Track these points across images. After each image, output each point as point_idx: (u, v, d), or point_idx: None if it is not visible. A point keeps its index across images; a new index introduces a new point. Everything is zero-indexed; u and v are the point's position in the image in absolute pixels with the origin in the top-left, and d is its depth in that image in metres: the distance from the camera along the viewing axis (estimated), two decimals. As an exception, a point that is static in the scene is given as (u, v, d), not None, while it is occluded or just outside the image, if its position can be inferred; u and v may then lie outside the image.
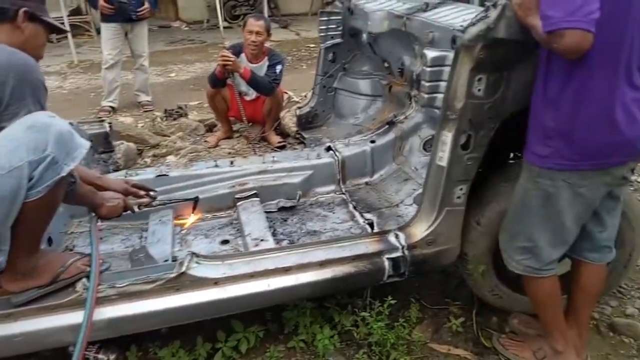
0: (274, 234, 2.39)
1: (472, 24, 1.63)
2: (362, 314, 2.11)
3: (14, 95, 1.50)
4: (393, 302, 2.07)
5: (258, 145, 3.96)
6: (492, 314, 2.32)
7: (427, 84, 2.36)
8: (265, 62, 3.97)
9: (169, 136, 4.28)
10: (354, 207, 2.65)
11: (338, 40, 3.58)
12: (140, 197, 2.18)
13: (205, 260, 1.86)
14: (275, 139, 3.99)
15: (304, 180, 2.73)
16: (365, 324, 2.08)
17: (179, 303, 1.78)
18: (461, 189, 1.94)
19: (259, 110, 4.05)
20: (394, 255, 2.00)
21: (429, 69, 2.32)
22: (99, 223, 1.96)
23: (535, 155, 1.71)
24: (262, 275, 1.86)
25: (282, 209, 2.66)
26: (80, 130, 2.73)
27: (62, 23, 7.24)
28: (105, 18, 5.01)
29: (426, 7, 2.76)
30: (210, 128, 4.51)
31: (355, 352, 2.11)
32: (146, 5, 5.01)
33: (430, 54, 2.31)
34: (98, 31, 6.52)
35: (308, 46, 8.68)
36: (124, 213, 2.06)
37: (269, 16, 9.20)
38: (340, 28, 3.53)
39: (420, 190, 2.08)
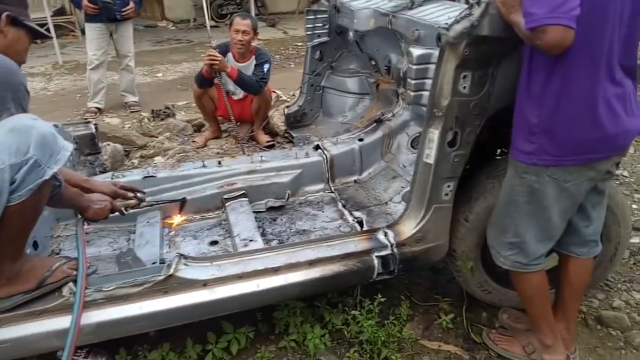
0: (263, 234, 2.39)
1: (457, 22, 1.63)
2: (353, 312, 2.11)
3: None
4: (383, 299, 2.08)
5: (247, 145, 3.95)
6: (481, 309, 2.33)
7: (413, 82, 2.37)
8: (252, 61, 3.95)
9: (157, 137, 4.25)
10: (343, 206, 2.65)
11: (325, 38, 3.57)
12: (129, 198, 2.16)
13: (193, 262, 1.85)
14: (264, 138, 3.98)
15: (292, 179, 2.73)
16: (355, 322, 2.08)
17: (167, 306, 1.77)
18: (449, 186, 1.95)
19: (247, 110, 4.04)
20: (383, 253, 2.00)
21: (414, 67, 2.33)
22: (86, 226, 1.94)
23: (520, 151, 1.72)
24: (251, 276, 1.86)
25: (271, 208, 2.65)
26: (64, 132, 2.70)
27: (46, 23, 7.19)
28: (90, 18, 4.96)
29: (412, 5, 2.76)
30: (198, 128, 4.49)
31: (346, 350, 2.11)
32: (131, 4, 4.96)
33: (416, 51, 2.32)
34: (83, 31, 6.46)
35: (296, 45, 8.66)
36: (111, 215, 2.05)
37: (256, 15, 9.18)
38: (326, 26, 3.53)
39: (409, 188, 2.08)
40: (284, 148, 3.75)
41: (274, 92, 4.67)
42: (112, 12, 4.88)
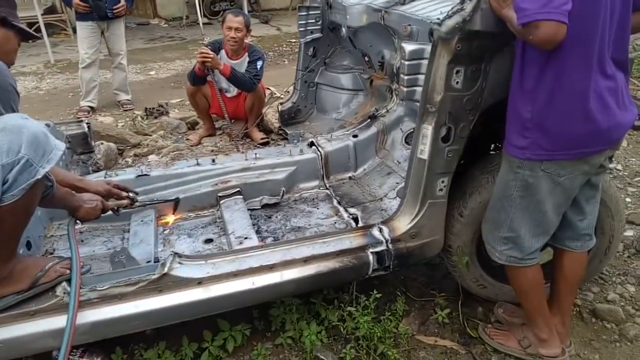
0: (258, 232, 2.38)
1: (449, 17, 1.63)
2: (349, 308, 2.11)
3: None
4: (379, 295, 2.07)
5: (241, 142, 3.94)
6: (477, 304, 2.34)
7: (406, 77, 2.36)
8: (245, 59, 3.94)
9: (150, 135, 4.24)
10: (338, 202, 2.65)
11: (318, 35, 3.56)
12: (122, 198, 2.15)
13: (188, 260, 1.84)
14: (258, 135, 3.97)
15: (287, 176, 2.72)
16: (352, 318, 2.08)
17: (162, 304, 1.76)
18: (443, 182, 1.95)
19: (240, 107, 4.03)
20: (378, 249, 2.00)
21: (407, 62, 2.33)
22: (78, 225, 1.93)
23: (514, 146, 1.72)
24: (246, 274, 1.85)
25: (265, 206, 2.65)
26: (56, 131, 2.68)
27: (37, 22, 7.13)
28: (81, 16, 4.92)
29: (404, 1, 2.76)
30: (192, 126, 4.48)
31: (342, 346, 2.12)
32: (122, 2, 4.92)
33: (408, 47, 2.31)
34: (74, 30, 6.40)
35: (289, 41, 8.64)
36: (106, 214, 2.04)
37: (249, 12, 9.13)
38: (319, 23, 3.52)
39: (403, 184, 2.09)
40: (278, 145, 3.74)
41: (268, 89, 4.66)
42: (103, 10, 4.85)
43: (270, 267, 1.88)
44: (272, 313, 2.19)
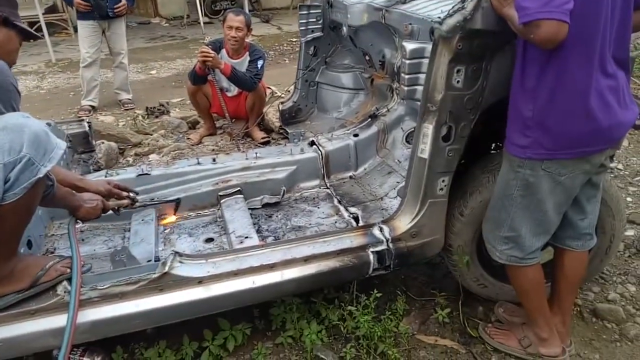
0: (258, 231, 2.38)
1: (449, 16, 1.63)
2: (349, 308, 2.11)
3: None
4: (379, 295, 2.07)
5: (241, 142, 3.93)
6: (478, 303, 2.34)
7: (407, 76, 2.36)
8: (246, 58, 3.94)
9: (151, 134, 4.24)
10: (339, 202, 2.65)
11: (318, 34, 3.56)
12: (122, 198, 2.15)
13: (188, 259, 1.84)
14: (259, 134, 3.97)
15: (288, 175, 2.72)
16: (352, 317, 2.08)
17: (163, 303, 1.76)
18: (443, 181, 1.94)
19: (241, 106, 4.02)
20: (378, 248, 2.00)
21: (408, 61, 2.32)
22: (79, 225, 1.93)
23: (515, 145, 1.72)
24: (247, 273, 1.85)
25: (266, 205, 2.65)
26: (57, 130, 2.69)
27: (38, 21, 7.13)
28: (82, 16, 4.92)
29: (405, -1, 2.75)
30: (193, 125, 4.47)
31: (343, 346, 2.12)
32: (123, 1, 4.92)
33: (409, 46, 2.31)
34: (75, 29, 6.41)
35: (290, 40, 8.63)
36: (106, 214, 2.04)
37: (250, 11, 9.14)
38: (320, 21, 3.52)
39: (404, 183, 2.08)
40: (279, 144, 3.74)
41: (269, 88, 4.66)
42: (104, 9, 4.85)
43: (271, 267, 1.88)
44: (273, 312, 2.20)
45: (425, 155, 1.87)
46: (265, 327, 2.22)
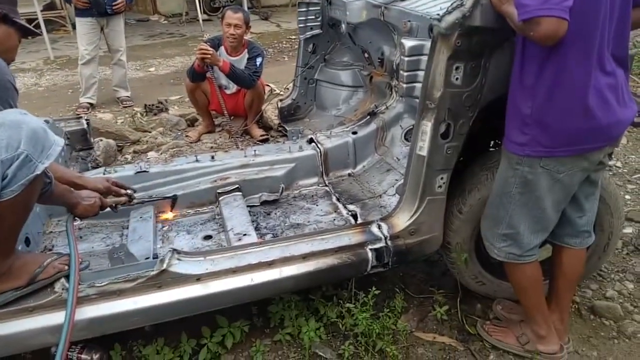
0: (257, 228, 2.38)
1: (448, 13, 1.63)
2: (347, 305, 2.11)
3: None
4: (378, 292, 2.08)
5: (240, 139, 3.93)
6: (476, 301, 2.34)
7: (406, 74, 2.35)
8: (244, 55, 3.93)
9: (150, 132, 4.23)
10: (338, 199, 2.65)
11: (317, 31, 3.55)
12: (120, 195, 2.15)
13: (186, 256, 1.84)
14: (258, 132, 3.97)
15: (286, 173, 2.72)
16: (350, 315, 2.09)
17: (161, 300, 1.76)
18: (442, 178, 1.94)
19: (240, 104, 4.02)
20: (377, 245, 2.00)
21: (406, 59, 2.32)
22: (77, 222, 1.93)
23: (513, 143, 1.72)
24: (245, 270, 1.85)
25: (265, 202, 2.65)
26: (56, 127, 2.68)
27: (36, 18, 7.11)
28: (80, 12, 4.91)
29: (404, -3, 2.75)
30: (191, 123, 4.47)
31: (341, 343, 2.12)
32: (121, -2, 4.92)
33: (408, 43, 2.30)
34: (74, 26, 6.38)
35: (289, 38, 8.62)
36: (104, 211, 2.03)
37: (249, 8, 9.13)
38: (319, 19, 3.51)
39: (402, 181, 2.08)
40: (277, 142, 3.73)
41: (268, 85, 4.65)
42: (102, 6, 4.84)
43: (269, 264, 1.88)
44: (271, 309, 2.20)
45: (424, 152, 1.87)
46: (264, 325, 2.23)
